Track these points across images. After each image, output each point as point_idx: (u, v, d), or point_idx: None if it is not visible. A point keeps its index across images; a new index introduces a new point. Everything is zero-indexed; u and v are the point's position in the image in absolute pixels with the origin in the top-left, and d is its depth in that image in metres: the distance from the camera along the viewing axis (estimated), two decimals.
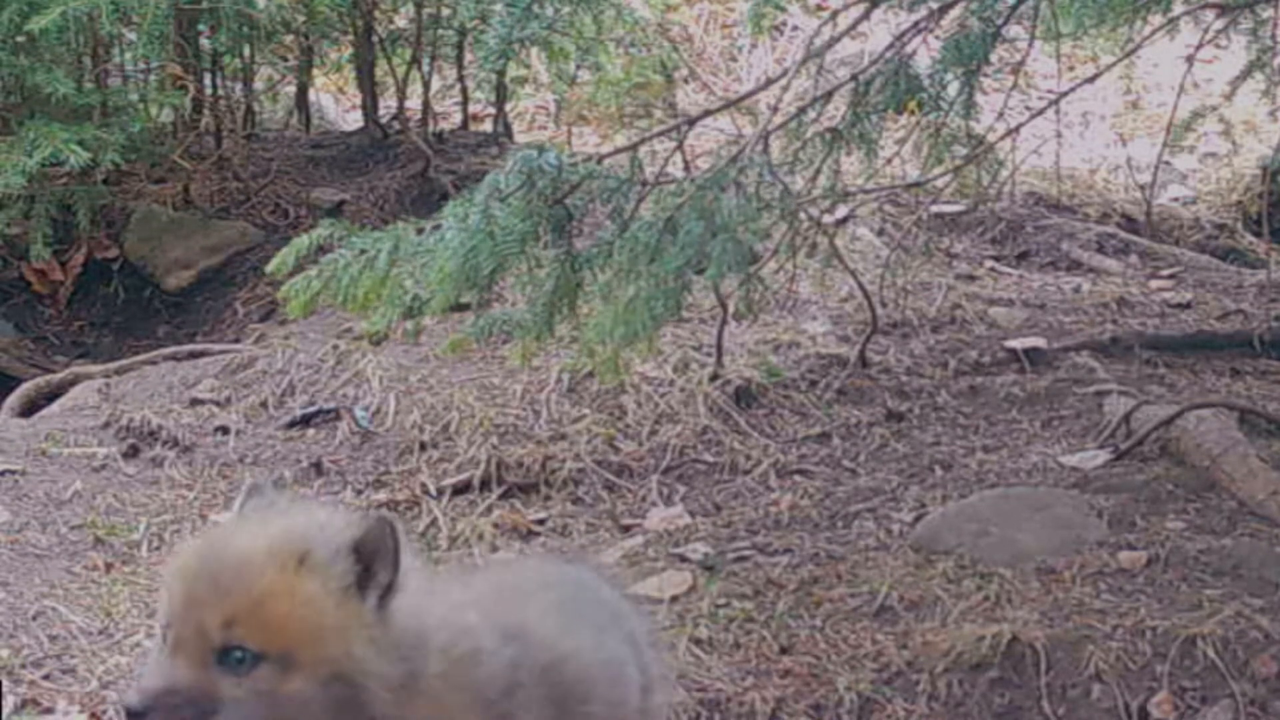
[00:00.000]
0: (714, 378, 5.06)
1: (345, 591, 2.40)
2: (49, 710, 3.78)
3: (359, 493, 4.76)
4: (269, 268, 4.16)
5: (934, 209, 6.11)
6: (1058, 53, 6.15)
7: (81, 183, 6.48)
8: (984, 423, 4.93)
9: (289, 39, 7.13)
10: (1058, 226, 6.50)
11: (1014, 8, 4.28)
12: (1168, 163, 6.93)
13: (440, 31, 7.13)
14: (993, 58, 4.28)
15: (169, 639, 2.39)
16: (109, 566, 4.38)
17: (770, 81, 4.57)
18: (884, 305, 5.43)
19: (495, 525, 4.57)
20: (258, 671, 2.36)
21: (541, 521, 4.60)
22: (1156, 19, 4.90)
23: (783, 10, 5.34)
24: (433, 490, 4.72)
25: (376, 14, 7.04)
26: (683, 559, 4.30)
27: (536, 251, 3.89)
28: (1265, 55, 5.16)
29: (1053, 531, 4.24)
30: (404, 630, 2.43)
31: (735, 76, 8.63)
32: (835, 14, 4.45)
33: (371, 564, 2.40)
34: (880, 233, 6.16)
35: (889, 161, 5.13)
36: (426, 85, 7.17)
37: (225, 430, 5.06)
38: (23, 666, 3.90)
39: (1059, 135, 6.61)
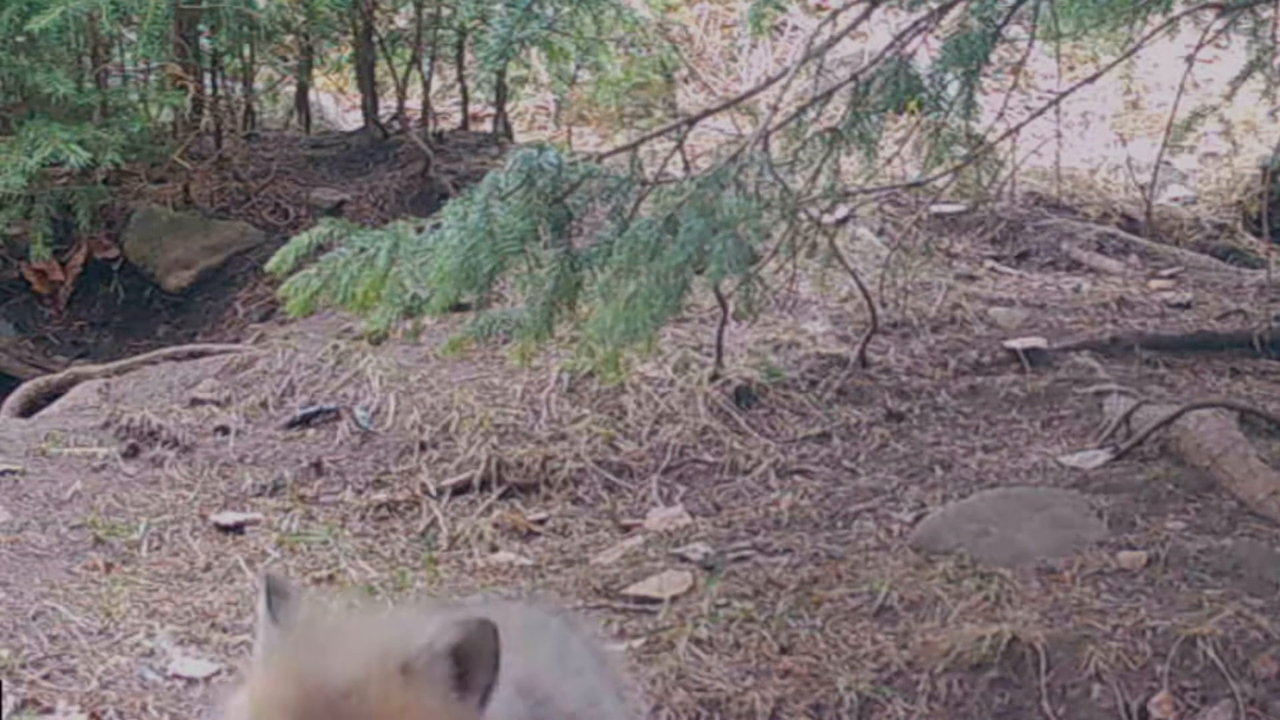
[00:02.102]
0: (714, 378, 5.06)
1: (448, 698, 2.34)
2: (49, 710, 3.77)
3: (359, 492, 4.76)
4: (268, 266, 4.16)
5: (934, 209, 6.11)
6: (1058, 53, 6.16)
7: (81, 183, 6.48)
8: (984, 423, 4.93)
9: (289, 39, 7.13)
10: (1058, 226, 6.50)
11: (1014, 8, 4.28)
12: (1168, 163, 6.92)
13: (440, 31, 7.13)
14: (993, 58, 4.28)
15: None
16: (109, 566, 4.38)
17: (770, 81, 4.57)
18: (884, 305, 5.43)
19: (495, 525, 4.57)
20: None
21: (541, 521, 4.60)
22: (1156, 19, 4.90)
23: (783, 10, 5.34)
24: (433, 490, 4.72)
25: (376, 14, 7.04)
26: (683, 559, 4.30)
27: (536, 251, 3.89)
28: (1265, 55, 5.16)
29: (1053, 531, 4.23)
30: None
31: (735, 76, 8.62)
32: (835, 14, 4.45)
33: (471, 668, 2.35)
34: (880, 233, 6.16)
35: (889, 161, 5.13)
36: (426, 85, 7.17)
37: (225, 430, 5.05)
38: (23, 666, 3.89)
39: (1059, 135, 6.61)
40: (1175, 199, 7.27)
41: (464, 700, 2.34)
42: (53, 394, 5.63)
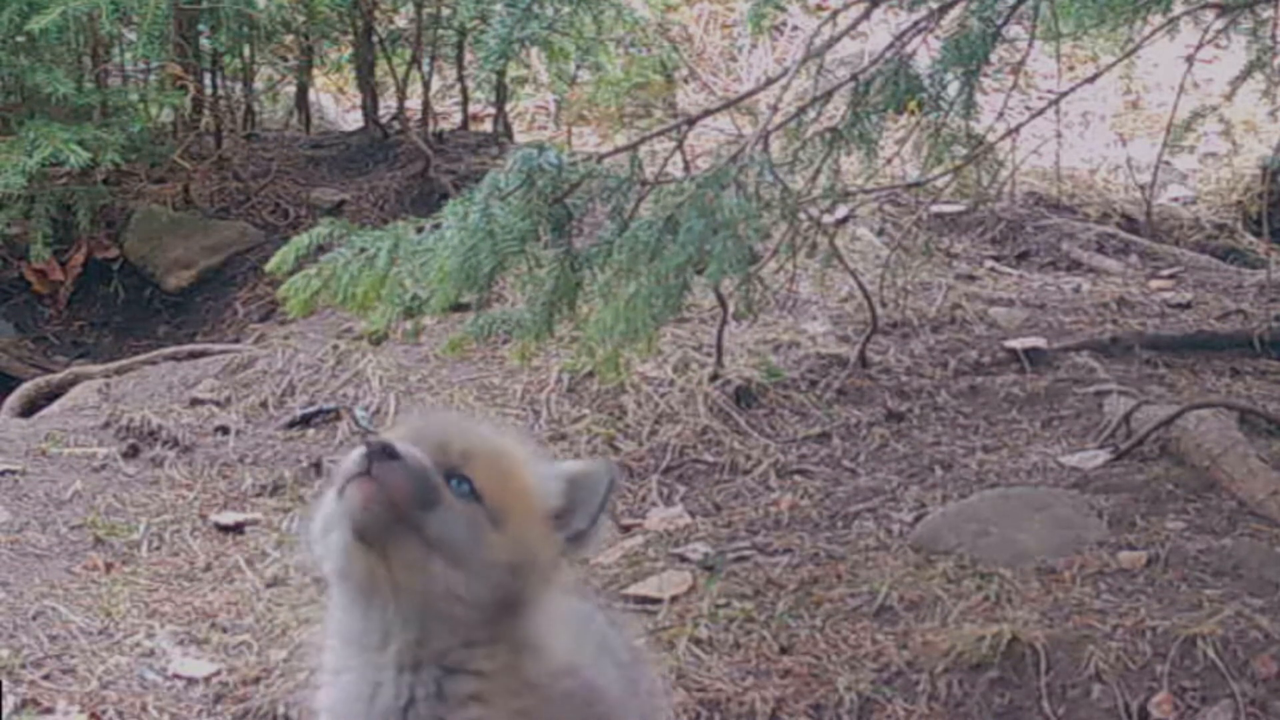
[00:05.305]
0: (714, 378, 5.06)
1: (545, 517, 2.38)
2: (49, 710, 3.78)
3: None
4: (268, 266, 4.15)
5: (934, 209, 6.10)
6: (1058, 53, 6.16)
7: (81, 183, 6.49)
8: (984, 423, 4.93)
9: (289, 39, 7.14)
10: (1058, 226, 6.50)
11: (1014, 8, 4.28)
12: (1168, 163, 6.92)
13: (440, 31, 7.14)
14: (993, 58, 4.28)
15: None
16: (109, 566, 4.38)
17: (770, 81, 4.57)
18: (884, 305, 5.43)
19: None
20: (473, 506, 2.32)
21: None
22: (1156, 19, 4.90)
23: (783, 10, 5.34)
24: None
25: (376, 14, 7.04)
26: (683, 559, 4.30)
27: (536, 250, 3.89)
28: (1265, 55, 5.16)
29: (1053, 531, 4.23)
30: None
31: (735, 76, 8.62)
32: (835, 14, 4.45)
33: (575, 503, 2.39)
34: (880, 233, 6.16)
35: (889, 161, 5.13)
36: (426, 85, 7.17)
37: (225, 430, 5.05)
38: (23, 666, 3.90)
39: (1059, 135, 6.61)
40: (1175, 199, 7.27)
41: (556, 528, 2.38)
42: (53, 394, 5.63)
